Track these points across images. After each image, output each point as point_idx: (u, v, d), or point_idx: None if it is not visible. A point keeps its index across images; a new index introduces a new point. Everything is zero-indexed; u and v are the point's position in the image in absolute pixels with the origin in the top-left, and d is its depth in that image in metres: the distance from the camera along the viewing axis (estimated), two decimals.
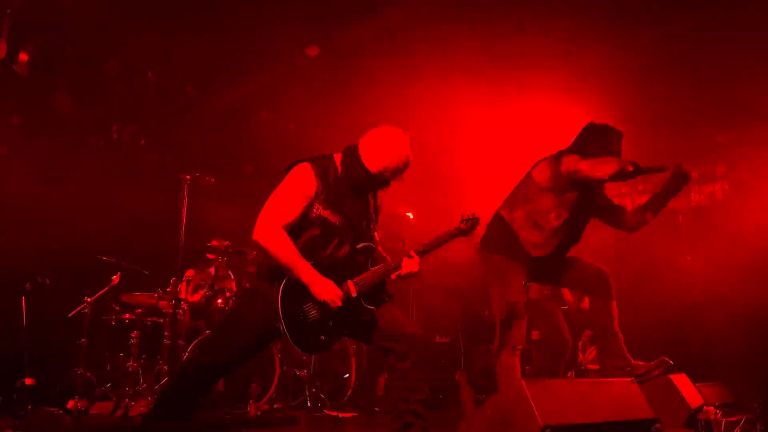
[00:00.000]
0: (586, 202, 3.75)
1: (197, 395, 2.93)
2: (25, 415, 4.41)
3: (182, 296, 5.59)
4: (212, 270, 6.08)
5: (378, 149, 2.94)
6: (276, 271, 2.89)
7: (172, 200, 5.47)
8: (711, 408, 3.76)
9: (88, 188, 6.38)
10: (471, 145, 7.13)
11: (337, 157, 3.03)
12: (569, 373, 6.01)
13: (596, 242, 4.37)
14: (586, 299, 6.01)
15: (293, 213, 2.89)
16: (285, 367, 5.33)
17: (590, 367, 6.12)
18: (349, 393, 5.67)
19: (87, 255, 5.58)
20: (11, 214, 5.74)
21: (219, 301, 5.50)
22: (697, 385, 3.90)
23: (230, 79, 6.68)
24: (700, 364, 5.09)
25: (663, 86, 6.11)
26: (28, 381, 4.62)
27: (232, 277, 6.14)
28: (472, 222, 3.11)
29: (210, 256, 6.10)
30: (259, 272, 3.01)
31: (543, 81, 6.17)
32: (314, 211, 2.91)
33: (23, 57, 5.47)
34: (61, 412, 4.55)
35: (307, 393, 5.40)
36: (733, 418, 3.79)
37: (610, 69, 5.95)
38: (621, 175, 3.47)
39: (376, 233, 3.15)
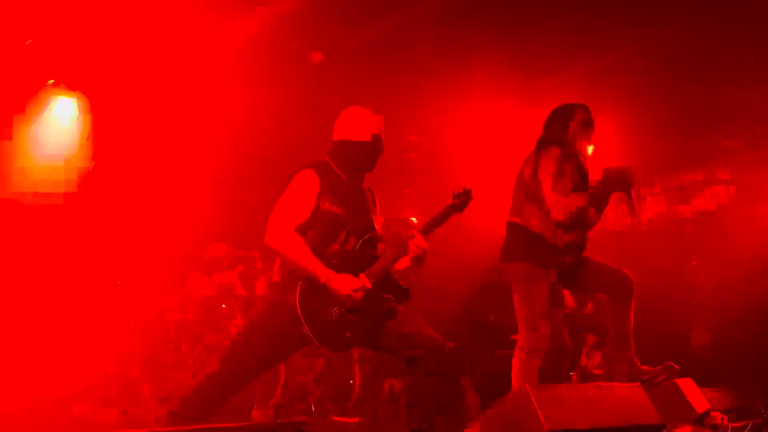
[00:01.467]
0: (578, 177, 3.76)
1: (215, 405, 2.96)
2: None
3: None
4: (218, 274, 6.11)
5: (347, 122, 3.14)
6: (291, 277, 2.91)
7: None
8: (717, 413, 3.75)
9: None
10: (477, 151, 7.13)
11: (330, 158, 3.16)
12: (573, 377, 6.00)
13: (599, 247, 4.35)
14: (590, 304, 6.01)
15: (303, 213, 2.95)
16: (290, 373, 5.33)
17: (595, 372, 6.10)
18: (354, 398, 5.66)
19: None
20: None
21: (223, 305, 5.53)
22: (703, 389, 3.88)
23: None
24: (707, 369, 5.07)
25: (668, 90, 6.11)
26: None
27: (238, 281, 6.17)
28: (464, 196, 3.11)
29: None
30: (276, 283, 3.04)
31: (547, 85, 6.18)
32: (320, 206, 2.96)
33: None
34: None
35: (312, 398, 5.39)
36: (740, 423, 3.77)
37: (614, 73, 5.94)
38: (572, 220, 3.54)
39: (377, 224, 3.20)
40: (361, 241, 3.02)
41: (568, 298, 5.42)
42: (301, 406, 5.36)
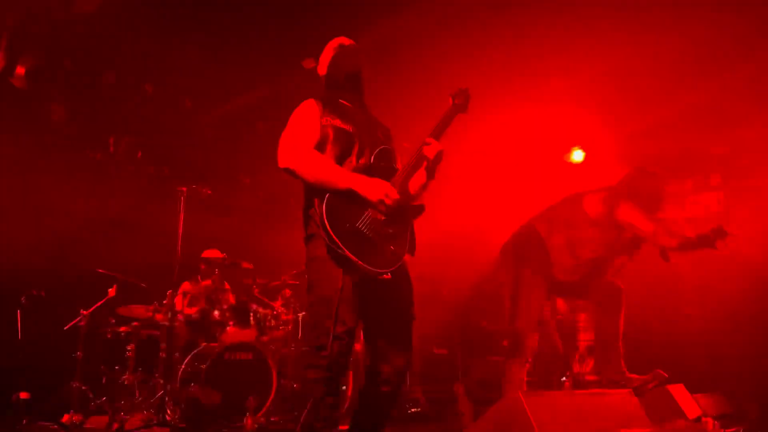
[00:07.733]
0: (624, 242, 3.77)
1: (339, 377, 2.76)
2: (20, 429, 4.39)
3: (178, 309, 5.58)
4: (209, 282, 6.08)
5: (319, 61, 3.14)
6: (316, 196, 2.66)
7: (169, 212, 5.47)
8: (709, 419, 3.76)
9: (85, 200, 6.38)
10: (470, 158, 7.13)
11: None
12: (566, 384, 6.00)
13: None
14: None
15: (313, 133, 2.79)
16: (282, 380, 5.30)
17: (588, 378, 6.10)
18: (346, 406, 5.64)
19: (83, 267, 5.57)
20: (5, 227, 5.72)
21: (215, 313, 5.49)
22: (694, 395, 3.89)
23: (227, 91, 6.70)
24: (698, 375, 5.08)
25: (657, 97, 6.14)
26: (23, 395, 4.60)
27: (229, 289, 6.15)
28: (463, 94, 2.92)
29: (202, 267, 6.10)
30: (308, 215, 2.78)
31: (544, 90, 6.20)
32: (324, 122, 2.82)
33: (20, 70, 5.49)
34: (55, 426, 4.53)
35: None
36: (731, 429, 3.78)
37: (607, 77, 5.97)
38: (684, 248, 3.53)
39: (391, 141, 3.07)
40: (374, 154, 2.82)
41: (561, 304, 5.43)
42: (292, 415, 5.34)
